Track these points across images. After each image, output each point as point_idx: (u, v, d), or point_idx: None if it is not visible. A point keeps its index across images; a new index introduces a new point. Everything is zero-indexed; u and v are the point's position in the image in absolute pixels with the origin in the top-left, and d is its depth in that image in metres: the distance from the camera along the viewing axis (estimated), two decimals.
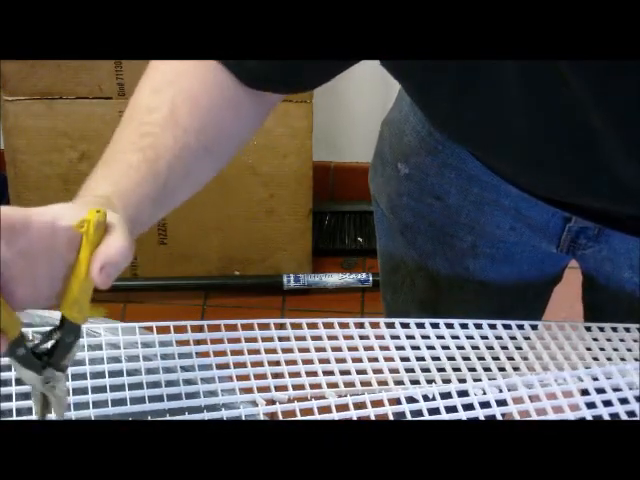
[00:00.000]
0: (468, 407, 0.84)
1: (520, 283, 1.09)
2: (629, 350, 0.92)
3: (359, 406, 0.83)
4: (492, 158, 0.98)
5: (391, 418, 0.82)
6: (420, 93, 0.91)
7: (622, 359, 0.91)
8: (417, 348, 0.91)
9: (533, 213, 1.01)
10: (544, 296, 1.15)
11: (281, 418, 0.82)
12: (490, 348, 0.91)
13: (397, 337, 0.92)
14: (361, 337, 0.91)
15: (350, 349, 0.89)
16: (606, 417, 0.83)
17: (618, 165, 0.81)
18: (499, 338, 0.93)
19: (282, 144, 2.08)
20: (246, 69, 0.84)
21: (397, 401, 0.85)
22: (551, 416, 0.83)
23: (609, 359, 0.91)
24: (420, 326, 0.93)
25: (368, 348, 0.90)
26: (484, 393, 0.86)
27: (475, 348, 0.91)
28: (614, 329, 0.95)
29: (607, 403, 0.85)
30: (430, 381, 0.87)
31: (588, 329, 0.95)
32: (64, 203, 0.73)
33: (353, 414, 0.82)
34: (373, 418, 0.82)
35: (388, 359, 0.89)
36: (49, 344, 0.73)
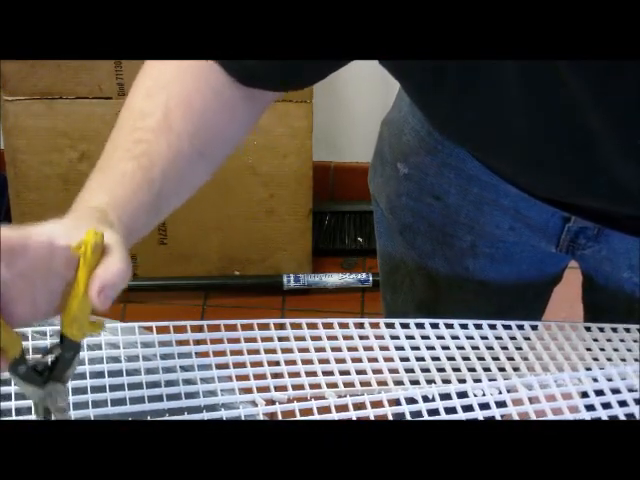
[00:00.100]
0: (467, 408, 0.84)
1: (520, 283, 1.09)
2: (629, 350, 0.92)
3: (359, 406, 0.83)
4: (492, 158, 0.97)
5: (390, 419, 0.82)
6: (420, 93, 0.91)
7: (622, 360, 0.91)
8: (417, 348, 0.90)
9: (532, 213, 1.01)
10: (544, 296, 1.15)
11: (280, 418, 0.82)
12: (490, 348, 0.91)
13: (397, 337, 0.92)
14: (361, 337, 0.91)
15: (350, 349, 0.89)
16: (605, 420, 0.83)
17: (616, 166, 0.81)
18: (499, 338, 0.93)
19: (282, 144, 2.08)
20: (242, 67, 0.84)
21: (396, 402, 0.85)
22: (550, 418, 0.83)
23: (609, 360, 0.91)
24: (420, 326, 0.93)
25: (368, 348, 0.90)
26: (484, 394, 0.86)
27: (475, 348, 0.91)
28: (614, 329, 0.95)
29: (606, 405, 0.85)
30: (430, 381, 0.87)
31: (588, 329, 0.95)
32: (60, 220, 0.74)
33: (353, 414, 0.82)
34: (372, 419, 0.82)
35: (388, 359, 0.89)
36: (49, 359, 0.74)
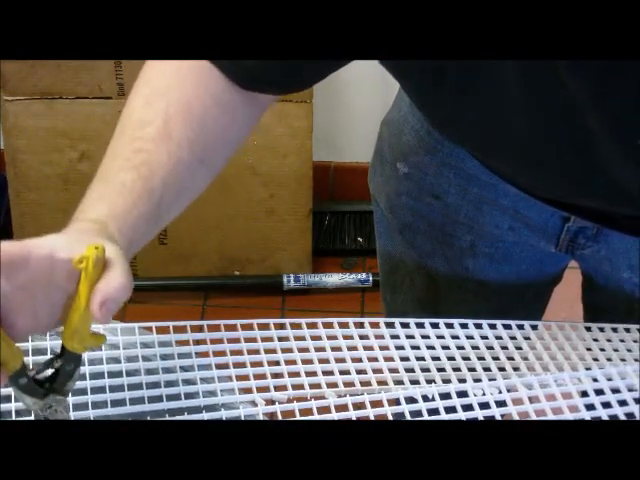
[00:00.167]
0: (467, 408, 0.84)
1: (519, 283, 1.09)
2: (629, 351, 0.92)
3: (358, 406, 0.83)
4: (491, 158, 0.98)
5: (390, 419, 0.82)
6: (420, 93, 0.91)
7: (622, 359, 0.91)
8: (417, 348, 0.90)
9: (532, 213, 1.01)
10: (544, 296, 1.15)
11: (280, 418, 0.82)
12: (490, 348, 0.91)
13: (397, 337, 0.92)
14: (361, 337, 0.91)
15: (350, 349, 0.89)
16: (605, 419, 0.83)
17: (615, 167, 0.81)
18: (499, 338, 0.93)
19: (282, 144, 2.08)
20: (242, 69, 0.84)
21: (396, 402, 0.85)
22: (550, 418, 0.83)
23: (609, 359, 0.91)
24: (420, 326, 0.93)
25: (368, 348, 0.90)
26: (484, 394, 0.86)
27: (475, 348, 0.91)
28: (614, 329, 0.95)
29: (606, 405, 0.85)
30: (430, 381, 0.87)
31: (588, 329, 0.95)
32: (61, 233, 0.74)
33: (352, 414, 0.82)
34: (372, 418, 0.82)
35: (388, 359, 0.89)
36: (50, 371, 0.74)
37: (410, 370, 0.88)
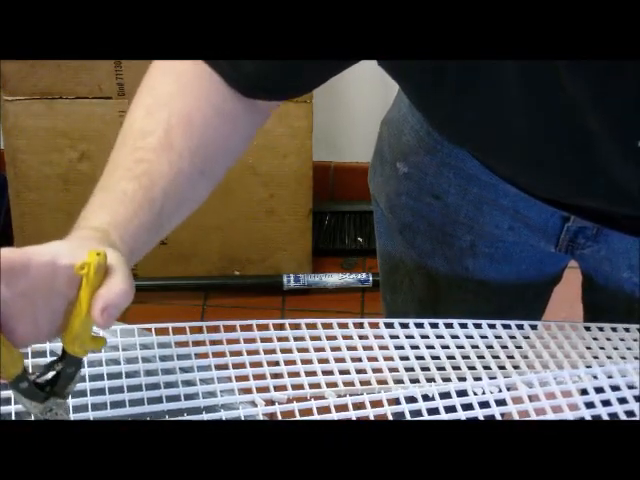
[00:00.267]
0: (467, 407, 0.84)
1: (519, 283, 1.09)
2: (629, 349, 0.92)
3: (358, 406, 0.83)
4: (492, 158, 0.97)
5: (390, 418, 0.82)
6: (419, 94, 0.91)
7: (622, 358, 0.91)
8: (416, 347, 0.90)
9: (531, 213, 1.01)
10: (544, 296, 1.15)
11: (280, 418, 0.82)
12: (490, 347, 0.91)
13: (396, 337, 0.92)
14: (360, 337, 0.91)
15: (349, 349, 0.89)
16: (605, 417, 0.83)
17: (615, 167, 0.81)
18: (498, 337, 0.93)
19: (282, 144, 2.08)
20: (243, 76, 0.84)
21: (396, 401, 0.85)
22: (550, 416, 0.83)
23: (609, 358, 0.91)
24: (419, 326, 0.93)
25: (367, 348, 0.90)
26: (483, 392, 0.86)
27: (475, 347, 0.91)
28: (614, 329, 0.95)
29: (606, 403, 0.85)
30: (430, 380, 0.87)
31: (588, 329, 0.95)
32: (62, 240, 0.74)
33: (352, 414, 0.82)
34: (372, 418, 0.82)
35: (387, 358, 0.89)
36: (50, 375, 0.74)
37: (410, 369, 0.88)
